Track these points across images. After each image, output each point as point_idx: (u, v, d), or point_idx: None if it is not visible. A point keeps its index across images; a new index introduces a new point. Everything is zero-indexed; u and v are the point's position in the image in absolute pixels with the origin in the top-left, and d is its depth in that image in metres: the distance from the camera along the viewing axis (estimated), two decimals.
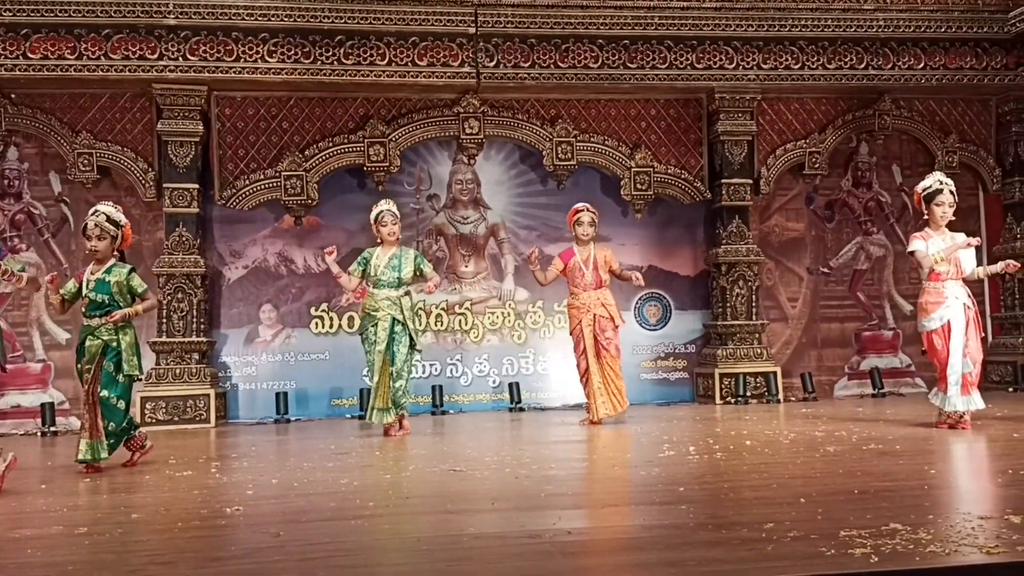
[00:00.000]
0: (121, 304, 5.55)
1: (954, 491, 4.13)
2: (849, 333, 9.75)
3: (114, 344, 5.49)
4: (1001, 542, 2.83)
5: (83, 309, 5.59)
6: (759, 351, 9.11)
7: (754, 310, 9.17)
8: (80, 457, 5.35)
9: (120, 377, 5.50)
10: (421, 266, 7.15)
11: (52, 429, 8.15)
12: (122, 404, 5.53)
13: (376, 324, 6.94)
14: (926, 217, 6.49)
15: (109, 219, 5.59)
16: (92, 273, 5.58)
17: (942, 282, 6.28)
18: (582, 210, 7.55)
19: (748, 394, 8.91)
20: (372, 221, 7.21)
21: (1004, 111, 9.69)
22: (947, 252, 6.24)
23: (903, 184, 9.80)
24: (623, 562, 2.87)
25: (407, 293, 7.11)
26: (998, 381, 9.45)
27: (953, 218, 6.47)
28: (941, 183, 6.43)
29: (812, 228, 9.78)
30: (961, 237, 6.38)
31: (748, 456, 5.21)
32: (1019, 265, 6.63)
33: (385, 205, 7.21)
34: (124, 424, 5.56)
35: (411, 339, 7.03)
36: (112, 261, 5.63)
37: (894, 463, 4.88)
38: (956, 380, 6.16)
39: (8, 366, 8.36)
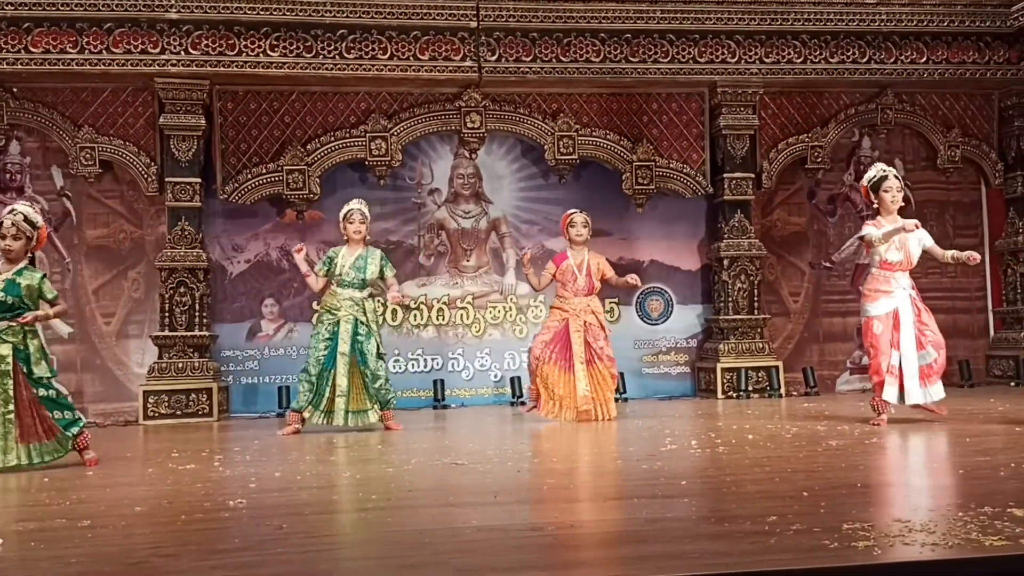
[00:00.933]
0: (31, 307, 5.34)
1: (957, 484, 4.13)
2: (851, 327, 9.73)
3: (22, 348, 5.28)
4: (1004, 535, 2.83)
5: None
6: (761, 345, 9.10)
7: (756, 304, 9.16)
8: (25, 462, 5.18)
9: (43, 379, 5.36)
10: (384, 269, 7.06)
11: None
12: (63, 395, 5.50)
13: (338, 324, 6.84)
14: (876, 207, 6.47)
15: (27, 219, 5.40)
16: (1, 273, 5.34)
17: (892, 272, 6.28)
18: (574, 213, 7.44)
19: (750, 389, 8.91)
20: (341, 218, 7.13)
21: (1007, 105, 9.67)
22: (887, 234, 6.20)
23: (905, 179, 9.75)
24: (626, 555, 2.87)
25: (371, 295, 7.05)
26: (1000, 376, 9.45)
27: (903, 204, 6.46)
28: (884, 171, 6.46)
29: (814, 222, 9.77)
30: (917, 224, 6.37)
31: (750, 450, 5.21)
32: (978, 257, 6.53)
33: (356, 204, 7.14)
34: (75, 414, 5.45)
35: (378, 345, 6.94)
36: (24, 263, 5.43)
37: (896, 457, 4.89)
38: (913, 373, 6.13)
39: None
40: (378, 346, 6.97)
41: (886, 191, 6.36)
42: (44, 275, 5.53)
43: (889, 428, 5.98)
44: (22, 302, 5.32)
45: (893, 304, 6.23)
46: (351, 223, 7.01)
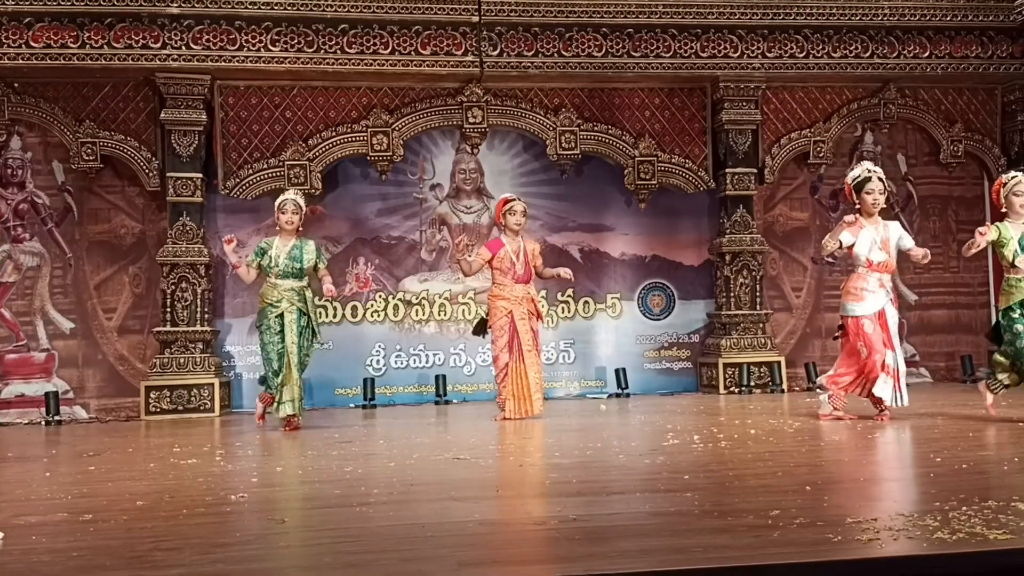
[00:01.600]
0: None
1: (960, 478, 4.12)
2: None
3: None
4: (1008, 528, 2.82)
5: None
6: (763, 341, 9.09)
7: (758, 300, 9.15)
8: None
9: None
10: (318, 260, 7.00)
11: (56, 418, 8.15)
12: None
13: (282, 315, 6.79)
14: (857, 207, 6.37)
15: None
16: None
17: (879, 272, 6.23)
18: (514, 199, 7.29)
19: (752, 384, 8.90)
20: (275, 208, 7.03)
21: (1010, 100, 9.65)
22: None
23: (908, 174, 9.78)
24: (628, 548, 2.86)
25: (308, 285, 7.01)
26: None
27: (884, 206, 6.36)
28: (869, 171, 6.34)
29: (816, 217, 9.75)
30: (894, 226, 6.35)
31: (753, 445, 5.20)
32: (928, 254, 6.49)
33: (290, 194, 7.08)
34: None
35: (315, 331, 6.92)
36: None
37: (899, 451, 4.88)
38: (904, 373, 6.13)
39: (11, 355, 8.41)
40: (315, 332, 6.92)
41: (868, 192, 6.25)
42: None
43: (893, 423, 5.96)
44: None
45: (879, 304, 6.18)
46: (284, 213, 6.91)
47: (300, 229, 7.04)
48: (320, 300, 7.09)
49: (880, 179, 6.32)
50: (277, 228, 7.03)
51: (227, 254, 7.00)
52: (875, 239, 6.23)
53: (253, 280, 7.09)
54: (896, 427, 5.77)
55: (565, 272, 7.37)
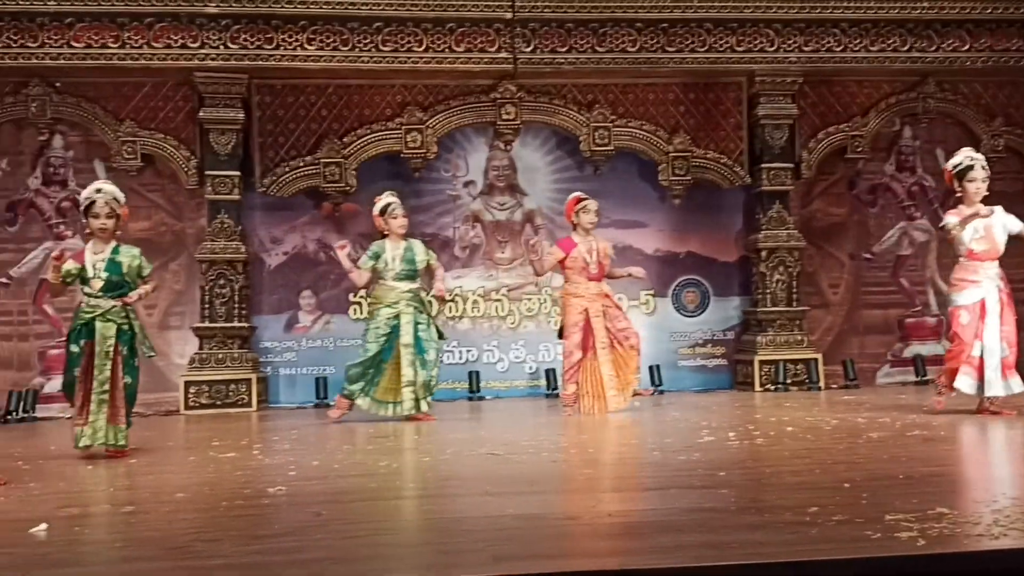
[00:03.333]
0: (132, 285, 5.44)
1: (1001, 476, 4.07)
2: (892, 320, 9.62)
3: (126, 327, 5.36)
4: None
5: (87, 290, 5.39)
6: (799, 338, 9.01)
7: (795, 296, 9.07)
8: (103, 442, 5.24)
9: (136, 362, 5.44)
10: (430, 259, 7.12)
11: None
12: (134, 388, 5.50)
13: (397, 317, 6.89)
14: (959, 195, 6.34)
15: (115, 197, 5.49)
16: (96, 253, 5.40)
17: (980, 261, 6.15)
18: (586, 199, 7.32)
19: (788, 381, 8.82)
20: (378, 213, 7.12)
21: None
22: (965, 220, 6.08)
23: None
24: (664, 544, 2.86)
25: (423, 287, 7.09)
26: None
27: (987, 194, 6.27)
28: (972, 159, 6.26)
29: (854, 213, 9.64)
30: (999, 211, 6.22)
31: (789, 442, 5.16)
32: None
33: (393, 197, 7.16)
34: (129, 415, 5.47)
35: (438, 330, 7.04)
36: (115, 242, 5.49)
37: (939, 449, 4.82)
38: (995, 364, 6.01)
39: (53, 351, 8.55)
40: (439, 331, 7.07)
41: (971, 181, 6.18)
42: (140, 251, 5.60)
43: (932, 420, 5.89)
44: (123, 280, 5.41)
45: (980, 294, 6.09)
46: (394, 218, 7.05)
47: (451, 227, 7.17)
48: (428, 297, 7.20)
49: (983, 167, 6.24)
50: (384, 233, 7.11)
51: (341, 259, 7.10)
52: (977, 227, 6.12)
53: (366, 283, 7.19)
54: (937, 424, 5.68)
55: (637, 271, 7.39)
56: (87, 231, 5.62)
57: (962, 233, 6.14)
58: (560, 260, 7.24)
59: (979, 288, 6.11)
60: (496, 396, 9.05)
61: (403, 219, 7.06)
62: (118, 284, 5.40)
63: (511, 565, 2.60)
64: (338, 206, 8.93)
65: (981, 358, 6.03)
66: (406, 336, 6.86)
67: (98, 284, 5.37)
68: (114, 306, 5.36)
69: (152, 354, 5.61)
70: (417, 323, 6.93)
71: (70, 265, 5.40)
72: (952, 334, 6.25)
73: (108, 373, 5.31)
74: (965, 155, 6.33)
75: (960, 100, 9.48)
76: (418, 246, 7.14)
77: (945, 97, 9.43)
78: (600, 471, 4.43)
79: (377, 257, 7.05)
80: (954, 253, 6.42)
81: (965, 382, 6.06)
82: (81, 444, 5.27)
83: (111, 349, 5.32)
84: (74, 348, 5.41)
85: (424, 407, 6.93)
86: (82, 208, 5.58)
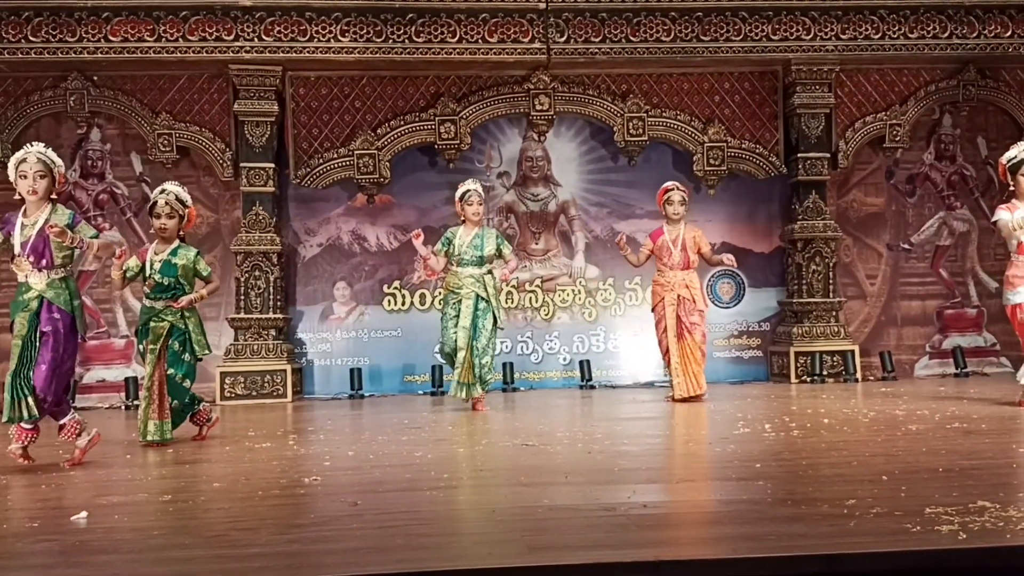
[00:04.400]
0: (186, 287, 5.54)
1: None
2: (930, 311, 9.49)
3: (180, 326, 5.48)
4: None
5: (146, 290, 5.54)
6: (836, 329, 8.92)
7: (831, 287, 8.97)
8: (149, 438, 5.36)
9: (187, 357, 5.53)
10: (501, 246, 7.16)
11: (135, 403, 8.37)
12: (188, 383, 5.58)
13: (460, 302, 6.97)
14: (1011, 188, 6.22)
15: (178, 198, 5.60)
16: (157, 253, 5.53)
17: None
18: (672, 189, 7.36)
19: (824, 373, 8.73)
20: (457, 199, 7.17)
21: None
22: (1021, 219, 5.97)
23: (988, 157, 9.46)
24: (701, 536, 2.84)
25: (490, 271, 7.11)
26: None
27: None
28: None
29: (892, 203, 9.51)
30: None
31: (826, 434, 5.10)
32: None
33: (472, 184, 7.21)
34: (187, 401, 5.61)
35: (494, 317, 7.05)
36: (177, 242, 5.60)
37: (980, 442, 4.73)
38: None
39: (92, 341, 8.67)
40: (495, 320, 7.07)
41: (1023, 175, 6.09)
42: (198, 252, 5.70)
43: (972, 413, 5.80)
44: (178, 282, 5.50)
45: None
46: (470, 205, 7.09)
47: (483, 218, 7.23)
48: (499, 284, 7.23)
49: None
50: (461, 220, 7.15)
51: (418, 248, 7.14)
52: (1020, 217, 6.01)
53: (443, 268, 7.24)
54: (975, 417, 5.60)
55: (728, 259, 7.37)
56: (151, 231, 5.76)
57: (1006, 225, 6.02)
58: (651, 250, 7.40)
59: None
60: (530, 387, 9.04)
61: (478, 206, 7.10)
62: (172, 286, 5.50)
63: (546, 555, 2.59)
64: (372, 197, 8.96)
65: None
66: (464, 319, 6.93)
67: (152, 284, 5.49)
68: (168, 306, 5.47)
69: (206, 352, 5.64)
70: (476, 308, 6.96)
71: (132, 262, 5.55)
72: (1019, 331, 6.14)
73: (154, 372, 5.42)
74: (1021, 148, 6.19)
75: (1002, 87, 9.32)
76: (491, 235, 7.18)
77: (987, 84, 9.27)
78: (635, 462, 4.40)
79: (449, 243, 7.12)
80: (1007, 248, 6.29)
81: None
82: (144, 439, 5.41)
83: (159, 348, 5.43)
84: (140, 347, 5.63)
85: (476, 392, 6.94)
86: (148, 208, 5.73)
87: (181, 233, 5.69)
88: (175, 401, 5.51)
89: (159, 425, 5.41)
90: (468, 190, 7.13)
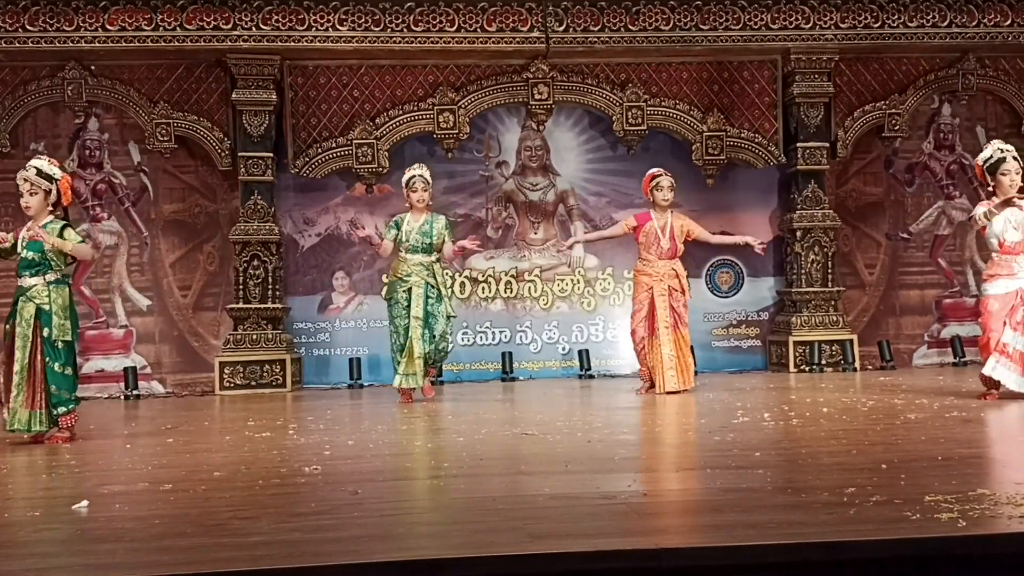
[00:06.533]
0: (53, 263, 5.24)
1: None
2: (929, 300, 9.49)
3: (46, 308, 5.18)
4: None
5: (17, 269, 5.31)
6: (835, 319, 8.92)
7: (830, 277, 8.97)
8: (16, 427, 5.13)
9: (59, 344, 5.22)
10: (445, 234, 7.09)
11: (135, 392, 8.40)
12: (69, 371, 5.27)
13: (410, 290, 6.91)
14: (991, 188, 6.12)
15: (39, 172, 5.30)
16: (29, 230, 5.28)
17: (1013, 255, 5.97)
18: (660, 175, 7.24)
19: (823, 362, 8.74)
20: (404, 185, 7.15)
21: None
22: (999, 206, 5.92)
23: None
24: (700, 523, 2.85)
25: (438, 259, 7.09)
26: None
27: (1022, 184, 6.03)
28: (1003, 151, 6.04)
29: (891, 192, 9.51)
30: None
31: (825, 423, 5.12)
32: None
33: (417, 170, 7.15)
34: (75, 394, 5.32)
35: (447, 307, 7.02)
36: (49, 218, 5.31)
37: (979, 430, 4.75)
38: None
39: (91, 331, 8.67)
40: (447, 309, 7.02)
41: (1004, 174, 5.98)
42: (66, 224, 5.36)
43: (972, 402, 5.81)
44: (44, 257, 5.24)
45: (1014, 285, 5.91)
46: (414, 191, 7.05)
47: (430, 205, 7.15)
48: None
49: (1015, 157, 6.05)
50: (407, 205, 7.11)
51: (368, 237, 7.23)
52: (1010, 219, 5.95)
53: (391, 252, 7.24)
54: (975, 406, 5.61)
55: (753, 241, 7.35)
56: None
57: (992, 225, 5.99)
58: (631, 228, 7.22)
59: (1013, 279, 5.94)
60: (529, 377, 9.05)
61: (423, 192, 7.03)
62: (38, 261, 5.24)
63: (547, 543, 2.60)
64: (371, 187, 8.95)
65: (1023, 352, 5.85)
66: (416, 308, 6.87)
67: (18, 260, 5.27)
68: (34, 285, 5.23)
69: (67, 338, 5.26)
70: (428, 296, 6.92)
71: (10, 238, 5.31)
72: (981, 323, 6.11)
73: (25, 357, 5.18)
74: (995, 147, 6.13)
75: (1001, 76, 9.30)
76: (439, 221, 7.12)
77: (986, 73, 9.25)
78: (634, 451, 4.41)
79: (398, 227, 7.07)
80: (987, 246, 6.26)
81: (1007, 377, 5.86)
82: (8, 428, 5.19)
83: (30, 332, 5.20)
84: (7, 327, 5.32)
85: (422, 381, 6.89)
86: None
87: (51, 208, 5.35)
88: (62, 391, 5.21)
89: (30, 416, 5.16)
90: (412, 176, 7.08)
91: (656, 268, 7.11)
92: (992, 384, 5.95)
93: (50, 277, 5.26)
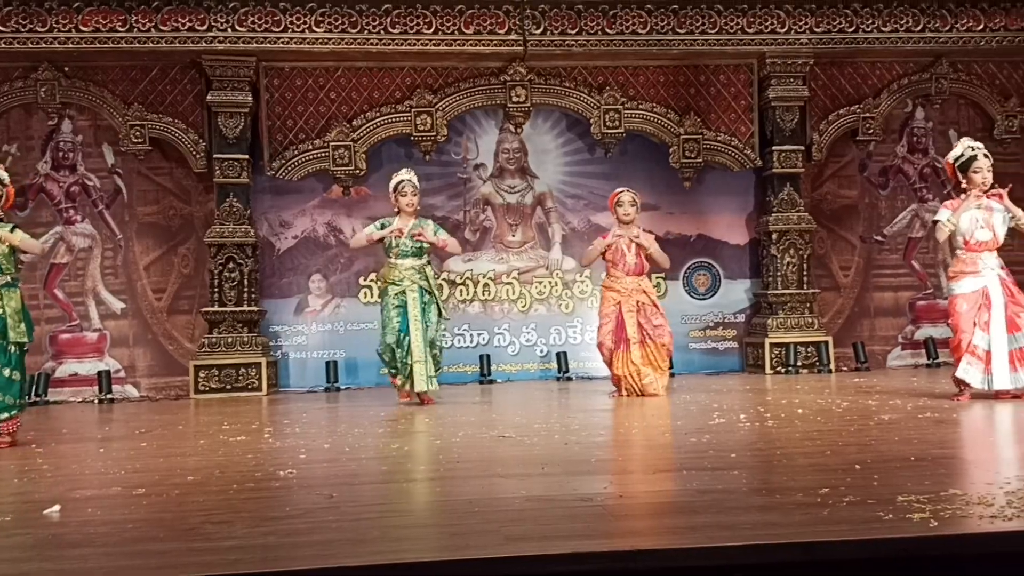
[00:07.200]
0: (3, 266, 5.17)
1: (1014, 458, 4.05)
2: (903, 302, 9.58)
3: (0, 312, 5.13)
4: None
5: None
6: (810, 320, 8.98)
7: (805, 279, 9.03)
8: None
9: (10, 347, 5.15)
10: (438, 232, 7.10)
11: (108, 396, 8.32)
12: (17, 375, 5.20)
13: (403, 293, 6.88)
14: (964, 186, 6.18)
15: None
16: None
17: (978, 253, 6.03)
18: (621, 192, 7.24)
19: (799, 364, 8.80)
20: (391, 190, 7.11)
21: None
22: (960, 213, 6.00)
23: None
24: (676, 525, 2.86)
25: (429, 262, 7.08)
26: None
27: (994, 183, 6.14)
28: (972, 148, 6.11)
29: (865, 195, 9.59)
30: (1002, 202, 6.10)
31: (800, 424, 5.15)
32: None
33: (406, 175, 7.11)
34: (21, 399, 5.26)
35: (439, 308, 7.02)
36: None
37: (951, 431, 4.79)
38: (1003, 357, 5.83)
39: (64, 335, 8.59)
40: (440, 310, 7.03)
41: (976, 171, 6.04)
42: (14, 226, 5.32)
43: (944, 403, 5.86)
44: None
45: (980, 283, 5.97)
46: (403, 196, 7.01)
47: (417, 209, 7.11)
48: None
49: (986, 155, 6.12)
50: (396, 210, 7.08)
51: (366, 237, 7.16)
52: (977, 217, 6.02)
53: (359, 246, 7.30)
54: (948, 407, 5.66)
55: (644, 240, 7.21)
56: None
57: (960, 223, 6.02)
58: (603, 249, 7.17)
59: (979, 278, 5.99)
60: (507, 379, 9.05)
61: (412, 197, 7.00)
62: None
63: (523, 546, 2.60)
64: (348, 189, 8.92)
65: (988, 351, 5.90)
66: (413, 312, 6.85)
67: None
68: None
69: (24, 340, 5.21)
70: (422, 300, 6.91)
71: None
72: (952, 324, 6.15)
73: None
74: (965, 146, 6.19)
75: (974, 80, 9.41)
76: (427, 225, 7.11)
77: (959, 78, 9.35)
78: (611, 453, 4.42)
79: (383, 228, 7.02)
80: (953, 244, 6.28)
81: (973, 376, 5.93)
82: None
83: None
84: None
85: (432, 386, 6.90)
86: None
87: None
88: (7, 397, 5.13)
89: None
90: (401, 180, 7.05)
91: (624, 284, 7.10)
92: (964, 385, 6.00)
93: (0, 281, 5.20)
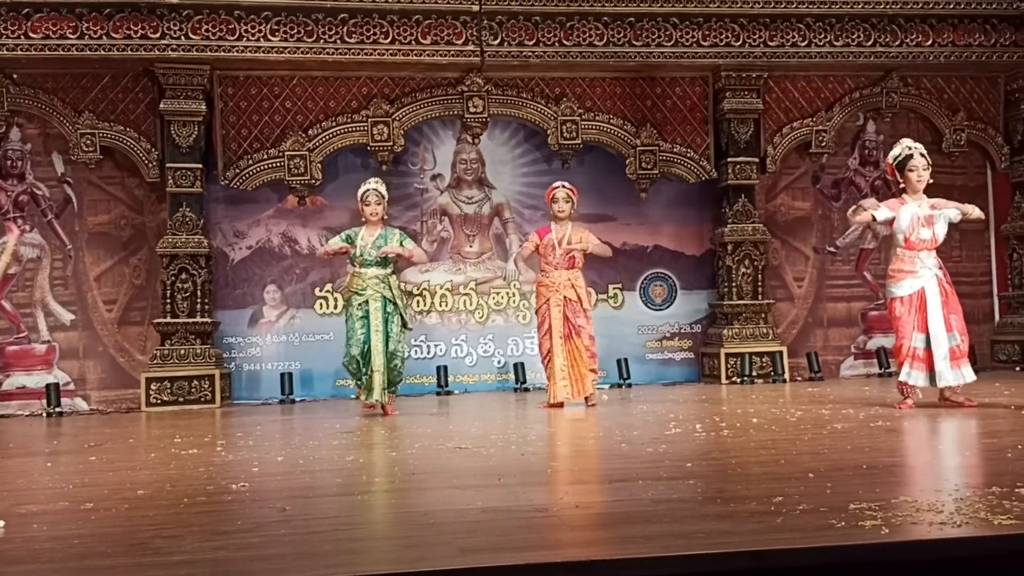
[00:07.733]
0: None
1: (964, 465, 4.11)
2: (855, 312, 9.72)
3: None
4: (1012, 514, 2.81)
5: None
6: (765, 331, 9.07)
7: (760, 290, 9.13)
8: None
9: None
10: (404, 242, 7.11)
11: (57, 410, 8.14)
12: None
13: (367, 302, 6.87)
14: (902, 186, 6.32)
15: None
16: None
17: (916, 251, 6.13)
18: (558, 187, 7.30)
19: (754, 374, 8.88)
20: (358, 199, 7.11)
21: (1013, 88, 9.61)
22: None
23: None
24: (631, 534, 2.85)
25: (393, 272, 7.07)
26: (1005, 360, 9.42)
27: (931, 182, 6.28)
28: (910, 148, 6.24)
29: (818, 207, 9.72)
30: (940, 202, 6.25)
31: (755, 433, 5.19)
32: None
33: (372, 184, 7.10)
34: None
35: (402, 318, 7.00)
36: None
37: (902, 439, 4.86)
38: (944, 354, 5.95)
39: (12, 347, 8.41)
40: (404, 321, 7.02)
41: (911, 170, 6.17)
42: None
43: (895, 412, 5.95)
44: None
45: (918, 284, 6.07)
46: (367, 205, 7.00)
47: (385, 218, 7.11)
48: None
49: (923, 155, 6.23)
50: (362, 220, 7.05)
51: (326, 249, 7.30)
52: (918, 216, 6.12)
53: (328, 257, 7.51)
54: (899, 416, 5.75)
55: (584, 244, 7.18)
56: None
57: (900, 220, 6.12)
58: (536, 245, 7.24)
59: (917, 279, 6.09)
60: (464, 390, 9.02)
61: (376, 206, 7.00)
62: None
63: (478, 557, 2.58)
64: (303, 199, 8.85)
65: (928, 350, 6.02)
66: (375, 321, 6.83)
67: None
68: None
69: None
70: (385, 310, 6.87)
71: None
72: (893, 327, 6.26)
73: None
74: (904, 145, 6.31)
75: (923, 95, 9.59)
76: (393, 234, 7.11)
77: (908, 92, 9.53)
78: (567, 463, 4.42)
79: (349, 240, 7.02)
80: (894, 243, 6.36)
81: (916, 376, 6.05)
82: None
83: None
84: None
85: (385, 398, 6.86)
86: None
87: None
88: None
89: None
90: (367, 189, 7.05)
91: (552, 278, 7.15)
92: (908, 391, 6.10)
93: None
